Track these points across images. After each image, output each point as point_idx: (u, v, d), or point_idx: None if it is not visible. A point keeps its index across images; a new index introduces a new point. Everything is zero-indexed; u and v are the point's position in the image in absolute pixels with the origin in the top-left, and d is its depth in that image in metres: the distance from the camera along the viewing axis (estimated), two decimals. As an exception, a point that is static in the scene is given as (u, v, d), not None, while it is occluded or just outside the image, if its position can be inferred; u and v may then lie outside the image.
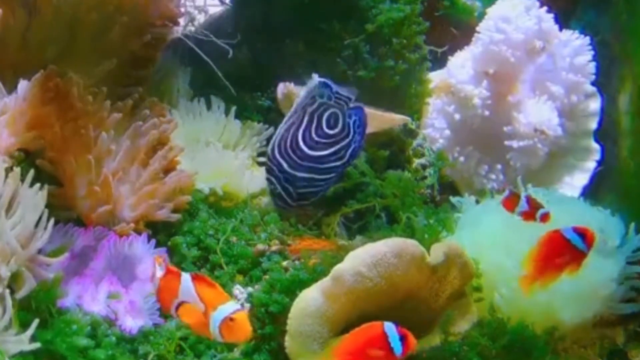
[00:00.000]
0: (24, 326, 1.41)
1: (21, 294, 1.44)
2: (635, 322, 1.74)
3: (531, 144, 2.17)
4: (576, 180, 2.29)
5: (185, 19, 2.31)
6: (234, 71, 2.25)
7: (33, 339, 1.40)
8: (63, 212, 1.66)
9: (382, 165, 2.08)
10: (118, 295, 1.60)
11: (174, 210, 1.77)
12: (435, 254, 1.55)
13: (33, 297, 1.46)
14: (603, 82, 2.28)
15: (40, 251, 1.51)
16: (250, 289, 1.65)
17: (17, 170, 1.51)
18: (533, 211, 1.63)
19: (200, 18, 2.39)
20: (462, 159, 2.25)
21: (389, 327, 1.35)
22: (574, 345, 1.70)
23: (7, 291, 1.41)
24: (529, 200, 1.64)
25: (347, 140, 1.82)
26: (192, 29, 2.33)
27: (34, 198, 1.50)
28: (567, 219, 1.77)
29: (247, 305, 1.61)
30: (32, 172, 1.53)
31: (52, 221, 1.51)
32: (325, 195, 1.89)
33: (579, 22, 2.38)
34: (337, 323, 1.48)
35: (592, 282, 1.65)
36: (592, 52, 2.24)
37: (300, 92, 1.92)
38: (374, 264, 1.47)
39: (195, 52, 2.17)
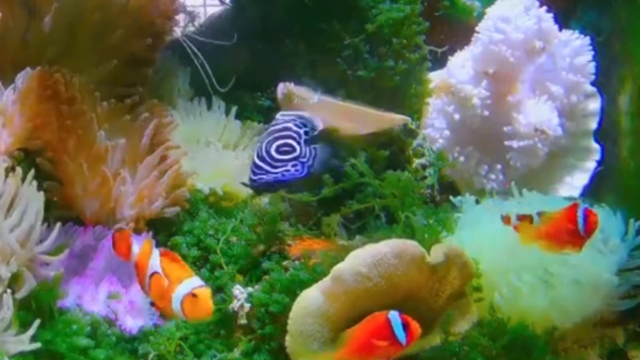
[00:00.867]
0: (24, 326, 1.41)
1: (21, 293, 1.44)
2: (635, 322, 1.74)
3: (531, 143, 2.17)
4: (576, 180, 2.29)
5: (185, 19, 2.31)
6: (234, 71, 2.25)
7: (33, 338, 1.40)
8: (62, 211, 1.66)
9: (382, 165, 2.08)
10: (118, 295, 1.60)
11: (172, 204, 1.77)
12: (435, 254, 1.55)
13: (33, 297, 1.46)
14: (603, 82, 2.28)
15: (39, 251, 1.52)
16: (250, 289, 1.65)
17: (18, 170, 1.51)
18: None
19: (200, 18, 2.39)
20: (462, 159, 2.25)
21: (393, 316, 1.37)
22: (574, 345, 1.70)
23: (9, 291, 1.41)
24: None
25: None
26: (192, 29, 2.33)
27: (34, 198, 1.50)
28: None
29: (247, 305, 1.61)
30: (32, 172, 1.53)
31: (58, 225, 1.52)
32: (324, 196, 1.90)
33: (579, 22, 2.38)
34: (337, 323, 1.48)
35: (592, 280, 1.65)
36: (592, 52, 2.24)
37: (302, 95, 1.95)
38: (374, 264, 1.47)
39: (195, 52, 2.17)
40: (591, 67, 2.25)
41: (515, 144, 2.20)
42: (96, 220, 1.68)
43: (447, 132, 2.26)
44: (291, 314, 1.47)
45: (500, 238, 1.71)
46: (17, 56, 1.72)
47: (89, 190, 1.66)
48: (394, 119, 2.10)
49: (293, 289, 1.56)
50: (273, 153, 1.87)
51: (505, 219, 1.61)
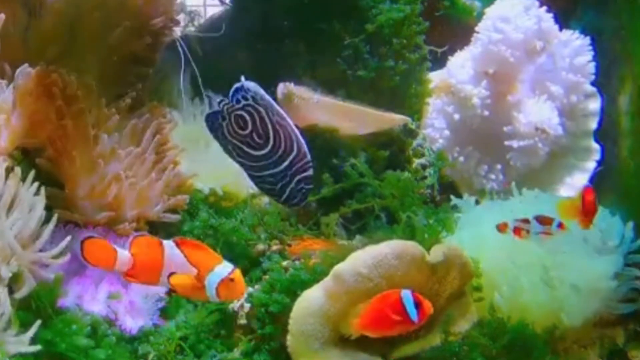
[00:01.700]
0: (24, 326, 1.41)
1: (21, 294, 1.43)
2: (635, 322, 1.73)
3: (532, 143, 2.17)
4: (576, 180, 2.29)
5: (185, 19, 2.31)
6: (234, 71, 2.25)
7: (33, 339, 1.40)
8: (63, 212, 1.66)
9: (381, 166, 2.08)
10: (118, 295, 1.60)
11: (173, 210, 1.77)
12: (435, 254, 1.56)
13: (33, 297, 1.46)
14: (603, 82, 2.28)
15: (40, 252, 1.51)
16: (250, 289, 1.65)
17: (18, 170, 1.51)
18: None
19: (200, 18, 2.39)
20: (461, 159, 2.25)
21: (406, 294, 1.41)
22: (574, 345, 1.70)
23: (6, 290, 1.41)
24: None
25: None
26: (192, 29, 2.33)
27: (35, 198, 1.50)
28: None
29: (247, 305, 1.61)
30: (32, 172, 1.53)
31: (53, 220, 1.51)
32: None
33: (579, 22, 2.38)
34: (338, 322, 1.48)
35: (592, 281, 1.65)
36: (592, 52, 2.24)
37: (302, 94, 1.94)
38: (375, 265, 1.48)
39: (195, 52, 2.17)
40: (591, 67, 2.25)
41: (515, 143, 2.20)
42: (96, 221, 1.68)
43: (447, 132, 2.26)
44: (292, 314, 1.47)
45: (500, 238, 1.71)
46: (17, 56, 1.71)
47: (89, 190, 1.66)
48: (394, 119, 2.10)
49: (293, 289, 1.57)
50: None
51: (501, 227, 1.62)
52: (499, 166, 2.25)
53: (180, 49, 2.15)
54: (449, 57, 2.33)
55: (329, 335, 1.47)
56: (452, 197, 1.98)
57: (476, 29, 2.27)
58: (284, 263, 1.72)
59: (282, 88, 2.04)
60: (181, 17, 2.19)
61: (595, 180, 2.28)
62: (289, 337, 1.47)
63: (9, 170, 1.52)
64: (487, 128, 2.27)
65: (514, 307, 1.63)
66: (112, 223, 1.69)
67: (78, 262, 1.63)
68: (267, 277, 1.67)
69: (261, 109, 1.76)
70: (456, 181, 2.28)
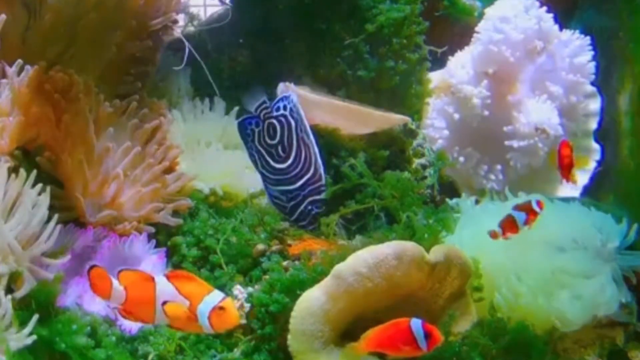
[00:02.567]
0: (24, 325, 1.41)
1: (21, 293, 1.44)
2: (636, 322, 1.73)
3: (532, 143, 2.17)
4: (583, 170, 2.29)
5: (186, 19, 2.31)
6: (235, 71, 2.25)
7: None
8: (63, 212, 1.66)
9: (381, 166, 2.08)
10: (118, 295, 1.59)
11: (175, 213, 1.77)
12: (435, 254, 1.56)
13: (33, 297, 1.46)
14: (603, 82, 2.28)
15: (40, 252, 1.51)
16: (250, 289, 1.65)
17: (22, 171, 1.51)
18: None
19: (200, 18, 2.39)
20: (461, 159, 2.25)
21: (415, 324, 1.39)
22: (574, 345, 1.70)
23: (2, 290, 1.41)
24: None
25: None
26: (192, 29, 2.33)
27: (36, 198, 1.50)
28: (566, 220, 1.77)
29: (247, 306, 1.61)
30: (34, 173, 1.53)
31: (58, 227, 1.52)
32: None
33: (579, 22, 2.38)
34: (338, 322, 1.49)
35: (592, 283, 1.65)
36: (592, 52, 2.24)
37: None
38: (375, 264, 1.48)
39: (196, 51, 2.17)
40: (591, 67, 2.25)
41: (515, 143, 2.20)
42: (96, 221, 1.68)
43: (446, 132, 2.26)
44: (293, 314, 1.47)
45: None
46: (17, 56, 1.71)
47: (89, 190, 1.66)
48: (394, 119, 2.10)
49: (293, 289, 1.56)
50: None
51: (493, 234, 1.63)
52: (498, 166, 2.25)
53: (184, 47, 2.15)
54: (449, 57, 2.33)
55: (330, 335, 1.47)
56: (449, 199, 1.98)
57: (476, 29, 2.27)
58: (284, 263, 1.71)
59: (282, 88, 2.04)
60: (181, 17, 2.19)
61: (595, 180, 2.28)
62: (289, 336, 1.47)
63: (10, 170, 1.52)
64: (487, 128, 2.27)
65: (514, 307, 1.63)
66: (111, 222, 1.69)
67: (78, 262, 1.63)
68: (267, 277, 1.67)
69: (292, 122, 1.77)
70: (456, 181, 2.28)
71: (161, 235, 1.77)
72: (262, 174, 1.83)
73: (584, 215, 1.83)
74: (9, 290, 1.44)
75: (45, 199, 1.51)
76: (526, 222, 1.66)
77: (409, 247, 1.52)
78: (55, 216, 1.53)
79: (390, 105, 2.13)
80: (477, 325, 1.60)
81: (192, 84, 2.24)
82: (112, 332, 1.54)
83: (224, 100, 2.17)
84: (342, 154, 2.03)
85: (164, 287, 1.35)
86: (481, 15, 2.31)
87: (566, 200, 2.03)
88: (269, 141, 1.79)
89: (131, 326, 1.56)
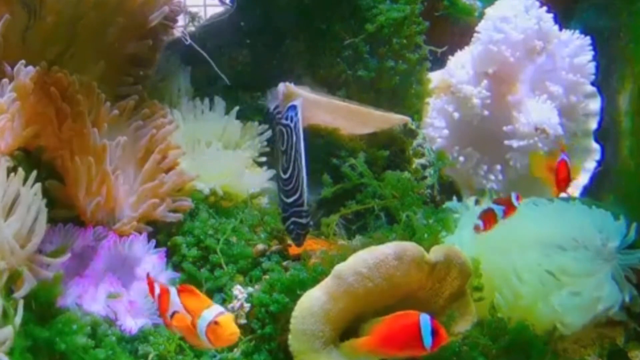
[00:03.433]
0: (24, 325, 1.41)
1: (21, 293, 1.43)
2: (636, 322, 1.74)
3: (532, 143, 2.17)
4: (576, 180, 2.29)
5: (186, 19, 2.31)
6: (235, 71, 2.25)
7: (32, 336, 1.41)
8: (63, 211, 1.66)
9: (382, 166, 2.08)
10: (118, 295, 1.60)
11: (175, 211, 1.77)
12: (435, 254, 1.56)
13: (33, 297, 1.46)
14: (603, 82, 2.28)
15: (40, 251, 1.51)
16: (250, 289, 1.65)
17: (20, 170, 1.51)
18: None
19: (201, 18, 2.39)
20: (461, 158, 2.25)
21: (424, 319, 1.37)
22: (574, 345, 1.70)
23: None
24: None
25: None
26: (193, 29, 2.33)
27: (35, 198, 1.50)
28: (566, 220, 1.77)
29: (247, 306, 1.61)
30: (34, 173, 1.53)
31: (43, 216, 1.51)
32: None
33: (579, 22, 2.38)
34: (339, 322, 1.49)
35: (592, 282, 1.65)
36: (592, 52, 2.24)
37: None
38: (376, 265, 1.48)
39: (195, 51, 2.17)
40: (591, 67, 2.25)
41: (515, 143, 2.20)
42: (96, 221, 1.68)
43: (446, 132, 2.26)
44: (294, 314, 1.47)
45: (501, 238, 1.72)
46: (17, 56, 1.71)
47: (89, 190, 1.66)
48: (394, 119, 2.10)
49: (293, 289, 1.57)
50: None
51: (476, 228, 1.64)
52: (498, 166, 2.25)
53: (184, 46, 2.15)
54: (449, 57, 2.33)
55: (330, 335, 1.47)
56: (449, 199, 1.98)
57: (476, 28, 2.27)
58: (284, 263, 1.72)
59: (282, 88, 2.03)
60: (181, 17, 2.19)
61: (595, 180, 2.28)
62: (290, 336, 1.47)
63: (10, 170, 1.52)
64: (487, 128, 2.27)
65: (515, 307, 1.63)
66: (111, 222, 1.69)
67: (78, 261, 1.63)
68: (267, 277, 1.67)
69: (294, 138, 1.76)
70: (456, 181, 2.28)
71: (161, 235, 1.77)
72: (277, 176, 1.81)
73: (584, 214, 1.83)
74: (9, 290, 1.44)
75: (42, 199, 1.51)
76: (505, 215, 1.68)
77: (409, 247, 1.52)
78: (55, 215, 1.53)
79: (390, 105, 2.13)
80: (477, 325, 1.60)
81: (192, 84, 2.24)
82: (112, 332, 1.54)
83: (223, 100, 2.17)
84: (342, 154, 2.03)
85: (174, 300, 1.37)
86: (481, 15, 2.31)
87: (566, 200, 2.03)
88: (280, 147, 1.78)
89: (131, 326, 1.56)
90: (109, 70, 1.88)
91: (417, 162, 2.18)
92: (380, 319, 1.42)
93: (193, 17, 2.35)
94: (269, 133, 2.14)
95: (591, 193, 2.24)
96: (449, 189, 2.23)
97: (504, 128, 2.23)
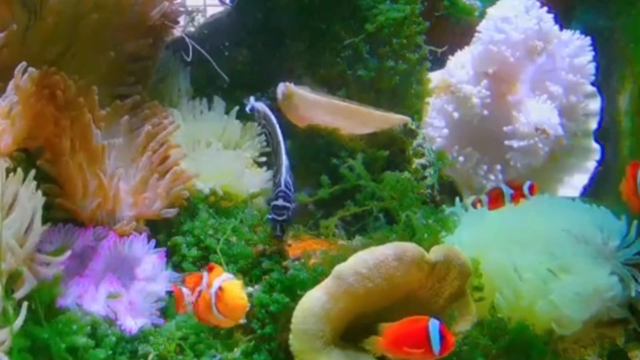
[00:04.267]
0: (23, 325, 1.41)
1: (21, 293, 1.43)
2: (635, 322, 1.73)
3: (532, 143, 2.17)
4: (576, 180, 2.29)
5: (185, 19, 2.31)
6: (234, 71, 2.25)
7: (32, 336, 1.40)
8: (63, 212, 1.66)
9: (381, 166, 2.08)
10: (118, 295, 1.60)
11: (172, 204, 1.77)
12: (435, 254, 1.56)
13: (33, 297, 1.46)
14: (603, 82, 2.28)
15: (40, 251, 1.51)
16: (250, 289, 1.65)
17: (19, 171, 1.51)
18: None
19: (200, 18, 2.39)
20: (461, 158, 2.25)
21: (433, 324, 1.37)
22: (574, 345, 1.70)
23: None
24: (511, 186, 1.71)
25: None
26: (192, 29, 2.33)
27: (34, 198, 1.50)
28: (566, 219, 1.77)
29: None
30: (32, 173, 1.53)
31: (38, 215, 1.50)
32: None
33: (579, 22, 2.38)
34: (339, 322, 1.49)
35: (592, 287, 1.65)
36: (592, 53, 2.25)
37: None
38: (376, 265, 1.48)
39: (195, 51, 2.17)
40: (591, 67, 2.25)
41: (515, 143, 2.20)
42: (96, 221, 1.68)
43: (445, 131, 2.26)
44: (295, 314, 1.47)
45: (501, 238, 1.72)
46: (18, 56, 1.71)
47: (88, 190, 1.66)
48: (394, 119, 2.10)
49: (293, 289, 1.57)
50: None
51: (476, 202, 1.62)
52: (498, 166, 2.25)
53: (184, 48, 2.15)
54: (449, 57, 2.33)
55: (330, 335, 1.48)
56: (449, 199, 1.98)
57: (477, 28, 2.27)
58: (284, 263, 1.71)
59: (282, 88, 2.04)
60: (181, 17, 2.19)
61: (595, 180, 2.28)
62: (291, 336, 1.47)
63: (9, 171, 1.52)
64: (487, 128, 2.27)
65: (515, 307, 1.63)
66: (111, 222, 1.69)
67: (77, 262, 1.63)
68: (267, 277, 1.66)
69: (271, 131, 1.78)
70: (456, 181, 2.28)
71: (161, 235, 1.77)
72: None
73: (585, 213, 1.83)
74: (9, 290, 1.44)
75: (41, 199, 1.51)
76: (512, 199, 1.65)
77: (409, 248, 1.52)
78: (54, 216, 1.53)
79: (390, 105, 2.13)
80: (477, 325, 1.60)
81: (192, 84, 2.24)
82: (112, 332, 1.54)
83: (223, 100, 2.17)
84: (342, 154, 2.02)
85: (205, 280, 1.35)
86: (482, 15, 2.32)
87: (567, 199, 2.04)
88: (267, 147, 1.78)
89: (131, 326, 1.56)
90: (110, 70, 1.88)
91: (417, 162, 2.18)
92: (390, 323, 1.42)
93: (192, 18, 2.34)
94: (269, 133, 2.15)
95: (591, 193, 2.24)
96: (449, 189, 2.23)
97: (504, 128, 2.23)
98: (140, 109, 1.86)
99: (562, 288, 1.62)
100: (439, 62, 2.33)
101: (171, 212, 1.77)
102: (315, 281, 1.53)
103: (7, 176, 1.51)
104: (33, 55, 1.75)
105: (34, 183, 1.52)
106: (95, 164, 1.67)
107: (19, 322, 1.38)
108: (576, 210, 1.85)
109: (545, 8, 2.24)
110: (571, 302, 1.62)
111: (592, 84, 2.28)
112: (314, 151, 2.07)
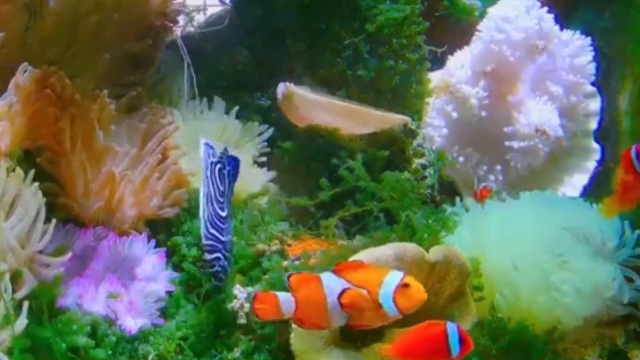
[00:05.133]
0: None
1: (21, 293, 1.43)
2: (635, 322, 1.74)
3: (532, 144, 2.18)
4: (576, 180, 2.29)
5: (185, 19, 2.31)
6: (234, 71, 2.25)
7: (32, 336, 1.41)
8: (63, 212, 1.66)
9: (381, 166, 2.08)
10: (118, 295, 1.60)
11: (172, 205, 1.77)
12: (435, 253, 1.56)
13: (33, 297, 1.46)
14: (603, 82, 2.28)
15: (40, 251, 1.51)
16: (250, 289, 1.65)
17: (19, 170, 1.51)
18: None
19: (200, 18, 2.39)
20: (461, 159, 2.25)
21: (451, 328, 1.34)
22: (574, 345, 1.70)
23: (3, 287, 1.41)
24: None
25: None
26: (192, 28, 2.33)
27: (34, 198, 1.50)
28: (566, 220, 1.77)
29: (247, 306, 1.61)
30: (32, 172, 1.53)
31: (53, 222, 1.51)
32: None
33: (580, 22, 2.38)
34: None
35: (593, 283, 1.65)
36: (593, 53, 2.25)
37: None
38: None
39: (196, 51, 2.17)
40: (591, 68, 2.25)
41: (515, 144, 2.20)
42: (96, 221, 1.68)
43: (445, 131, 2.26)
44: (297, 313, 1.47)
45: (501, 238, 1.72)
46: (18, 56, 1.71)
47: (88, 190, 1.66)
48: (394, 119, 2.10)
49: (293, 289, 1.56)
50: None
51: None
52: (498, 166, 2.25)
53: (182, 47, 2.15)
54: (449, 57, 2.33)
55: (331, 335, 1.48)
56: (449, 199, 1.98)
57: (478, 27, 2.27)
58: (284, 263, 1.71)
59: (282, 88, 2.04)
60: (181, 17, 2.19)
61: (595, 180, 2.28)
62: (292, 335, 1.47)
63: (9, 170, 1.52)
64: (487, 128, 2.27)
65: (515, 308, 1.63)
66: (111, 223, 1.69)
67: (78, 262, 1.63)
68: (267, 277, 1.66)
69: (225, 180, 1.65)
70: (456, 181, 2.28)
71: (161, 235, 1.77)
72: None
73: (585, 212, 1.83)
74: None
75: (42, 199, 1.51)
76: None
77: (410, 248, 1.52)
78: (55, 216, 1.53)
79: (390, 105, 2.13)
80: (477, 325, 1.60)
81: (192, 83, 2.24)
82: (112, 332, 1.54)
83: (223, 100, 2.17)
84: (342, 154, 2.02)
85: (332, 283, 1.28)
86: (482, 15, 2.32)
87: (567, 198, 2.04)
88: (219, 185, 1.65)
89: (131, 326, 1.56)
90: (110, 70, 1.88)
91: (417, 162, 2.18)
92: (401, 330, 1.38)
93: (192, 18, 2.35)
94: (269, 133, 2.15)
95: (591, 193, 2.24)
96: (449, 189, 2.23)
97: (505, 129, 2.23)
98: (140, 109, 1.86)
99: (562, 284, 1.62)
100: (439, 62, 2.33)
101: (171, 212, 1.77)
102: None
103: (7, 175, 1.51)
104: (33, 55, 1.75)
105: (37, 184, 1.52)
106: (97, 164, 1.66)
107: (20, 322, 1.38)
108: (576, 209, 1.85)
109: (546, 8, 2.24)
110: (572, 297, 1.62)
111: (592, 84, 2.28)
112: (314, 151, 2.07)
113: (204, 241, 1.59)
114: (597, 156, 2.30)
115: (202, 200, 1.61)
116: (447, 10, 2.45)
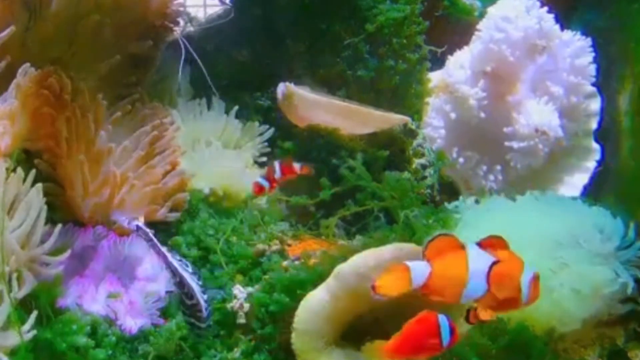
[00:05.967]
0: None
1: (21, 293, 1.44)
2: (635, 322, 1.74)
3: (532, 144, 2.17)
4: (576, 180, 2.29)
5: (185, 19, 2.31)
6: (234, 71, 2.25)
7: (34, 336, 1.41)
8: (63, 212, 1.66)
9: (381, 166, 2.08)
10: (118, 295, 1.60)
11: (173, 209, 1.77)
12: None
13: (33, 297, 1.46)
14: (603, 82, 2.28)
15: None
16: (250, 289, 1.65)
17: (19, 170, 1.51)
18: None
19: (200, 18, 2.39)
20: (461, 159, 2.25)
21: (443, 319, 1.35)
22: (574, 345, 1.70)
23: (4, 289, 1.41)
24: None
25: None
26: (192, 29, 2.33)
27: (35, 199, 1.51)
28: (566, 219, 1.77)
29: (247, 305, 1.61)
30: (32, 173, 1.53)
31: (58, 227, 1.51)
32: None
33: (580, 22, 2.38)
34: (340, 322, 1.49)
35: (593, 283, 1.65)
36: (593, 54, 2.24)
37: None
38: (376, 266, 1.48)
39: (195, 51, 2.17)
40: (592, 68, 2.25)
41: (515, 144, 2.20)
42: (96, 221, 1.68)
43: (443, 131, 2.26)
44: (298, 313, 1.48)
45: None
46: (18, 57, 1.72)
47: (88, 191, 1.66)
48: (394, 119, 2.10)
49: (293, 289, 1.57)
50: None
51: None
52: (498, 167, 2.25)
53: (182, 47, 2.15)
54: (449, 57, 2.33)
55: (332, 335, 1.48)
56: (449, 199, 1.98)
57: (477, 27, 2.27)
58: (284, 263, 1.72)
59: (282, 88, 2.04)
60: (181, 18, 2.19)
61: (595, 180, 2.28)
62: (293, 335, 1.47)
63: (9, 171, 1.52)
64: (486, 128, 2.27)
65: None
66: (111, 223, 1.69)
67: (78, 262, 1.64)
68: (267, 277, 1.67)
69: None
70: (456, 181, 2.28)
71: (161, 235, 1.76)
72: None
73: (585, 213, 1.83)
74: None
75: (42, 199, 1.51)
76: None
77: (411, 248, 1.52)
78: (54, 216, 1.53)
79: (390, 105, 2.13)
80: (477, 325, 1.60)
81: (192, 84, 2.24)
82: (112, 332, 1.54)
83: (223, 100, 2.17)
84: (342, 154, 2.02)
85: (477, 255, 1.24)
86: (481, 15, 2.31)
87: (567, 198, 2.03)
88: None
89: (131, 326, 1.56)
90: (110, 71, 1.88)
91: (417, 162, 2.18)
92: (396, 334, 1.39)
93: (192, 18, 2.35)
94: (269, 133, 2.15)
95: (591, 193, 2.24)
96: (449, 189, 2.23)
97: (504, 129, 2.22)
98: (140, 109, 1.86)
99: (561, 286, 1.62)
100: (438, 62, 2.33)
101: (173, 217, 1.77)
102: (315, 281, 1.53)
103: (7, 176, 1.51)
104: (33, 55, 1.75)
105: (39, 184, 1.52)
106: (97, 164, 1.66)
107: (27, 328, 1.38)
108: (576, 210, 1.85)
109: (546, 8, 2.24)
110: (571, 299, 1.62)
111: (592, 84, 2.28)
112: (314, 151, 2.07)
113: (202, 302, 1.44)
114: (597, 156, 2.30)
115: (193, 286, 1.43)
116: (447, 10, 2.45)
